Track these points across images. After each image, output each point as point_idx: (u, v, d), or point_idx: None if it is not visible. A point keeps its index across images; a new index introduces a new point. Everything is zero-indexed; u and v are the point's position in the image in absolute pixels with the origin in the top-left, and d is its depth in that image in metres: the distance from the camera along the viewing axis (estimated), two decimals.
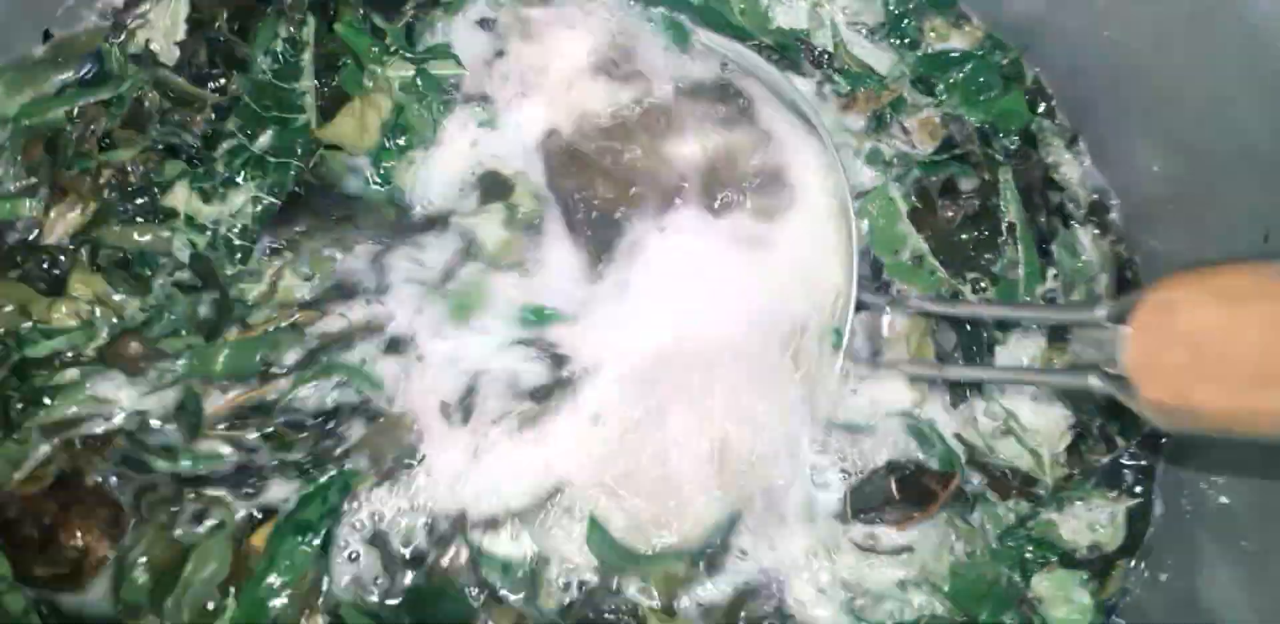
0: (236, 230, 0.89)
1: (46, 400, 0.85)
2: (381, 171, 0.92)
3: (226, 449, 0.85)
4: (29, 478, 0.83)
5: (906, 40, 1.02)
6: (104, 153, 0.90)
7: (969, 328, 0.93)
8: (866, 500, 0.88)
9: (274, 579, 0.82)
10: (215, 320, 0.87)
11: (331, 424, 0.86)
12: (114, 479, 0.84)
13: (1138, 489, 0.91)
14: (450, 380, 0.88)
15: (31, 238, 0.89)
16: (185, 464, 0.85)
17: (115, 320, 0.87)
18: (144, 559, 0.82)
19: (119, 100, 0.91)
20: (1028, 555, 0.88)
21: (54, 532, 0.82)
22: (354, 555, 0.84)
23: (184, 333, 0.87)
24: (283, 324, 0.87)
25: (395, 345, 0.89)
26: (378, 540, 0.85)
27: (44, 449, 0.84)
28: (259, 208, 0.90)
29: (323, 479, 0.85)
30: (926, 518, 0.87)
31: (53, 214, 0.89)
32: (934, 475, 0.88)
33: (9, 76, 0.91)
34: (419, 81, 0.94)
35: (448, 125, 0.94)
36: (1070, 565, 0.88)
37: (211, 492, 0.84)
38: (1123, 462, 0.92)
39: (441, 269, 0.91)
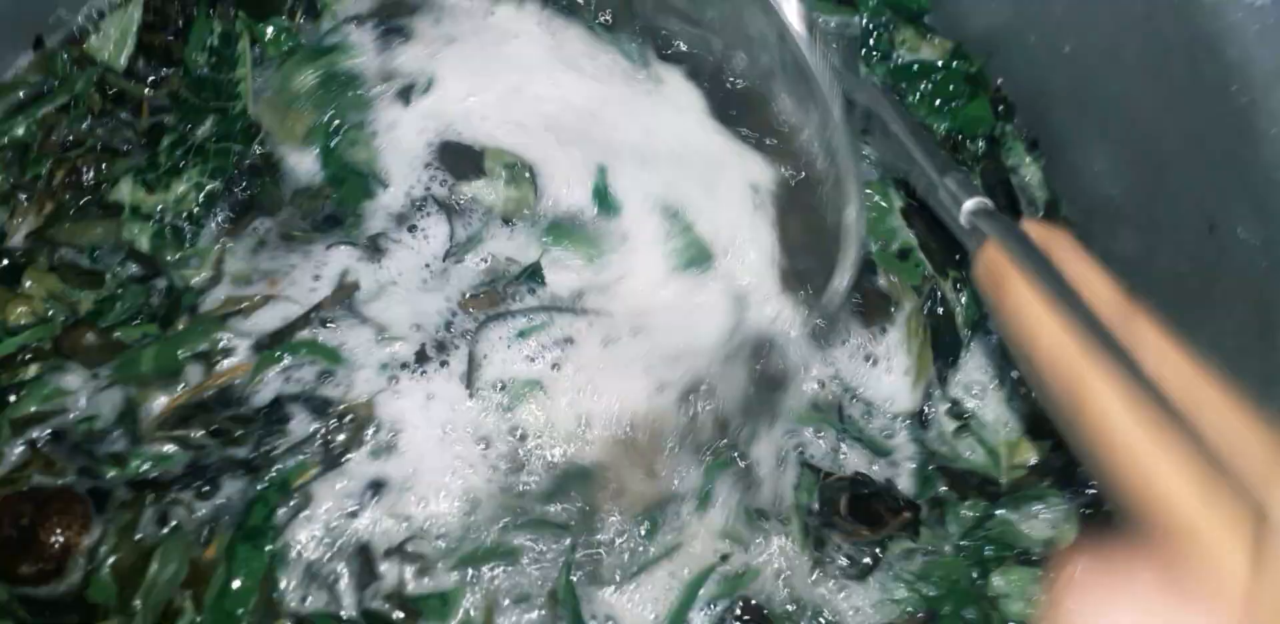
0: (184, 217, 0.90)
1: (12, 398, 0.85)
2: (326, 155, 0.93)
3: (174, 449, 0.85)
4: (3, 481, 0.84)
5: (877, 53, 1.04)
6: (61, 156, 0.91)
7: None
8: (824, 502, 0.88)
9: (235, 586, 0.81)
10: (168, 308, 0.88)
11: (279, 415, 0.86)
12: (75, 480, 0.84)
13: (1089, 489, 0.92)
14: None
15: None
16: (135, 468, 0.84)
17: (68, 315, 0.88)
18: (110, 561, 0.82)
19: (76, 104, 0.93)
20: (987, 553, 0.89)
21: (34, 531, 0.82)
22: (305, 555, 0.84)
23: (138, 322, 0.87)
24: (231, 311, 0.88)
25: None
26: (332, 542, 0.84)
27: (19, 451, 0.84)
28: (202, 193, 0.91)
29: (265, 480, 0.84)
30: (871, 538, 0.88)
31: (17, 219, 0.90)
32: (887, 503, 0.88)
33: None
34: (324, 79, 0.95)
35: (376, 104, 0.95)
36: (1027, 563, 0.89)
37: (170, 494, 0.84)
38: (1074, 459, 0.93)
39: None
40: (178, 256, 0.89)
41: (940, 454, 0.92)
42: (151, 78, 0.95)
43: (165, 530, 0.83)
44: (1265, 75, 0.77)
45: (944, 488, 0.91)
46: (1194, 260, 0.85)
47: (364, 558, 0.84)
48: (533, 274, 0.92)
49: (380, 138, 0.94)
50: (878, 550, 0.88)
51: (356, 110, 0.95)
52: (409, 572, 0.84)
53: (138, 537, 0.83)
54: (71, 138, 0.92)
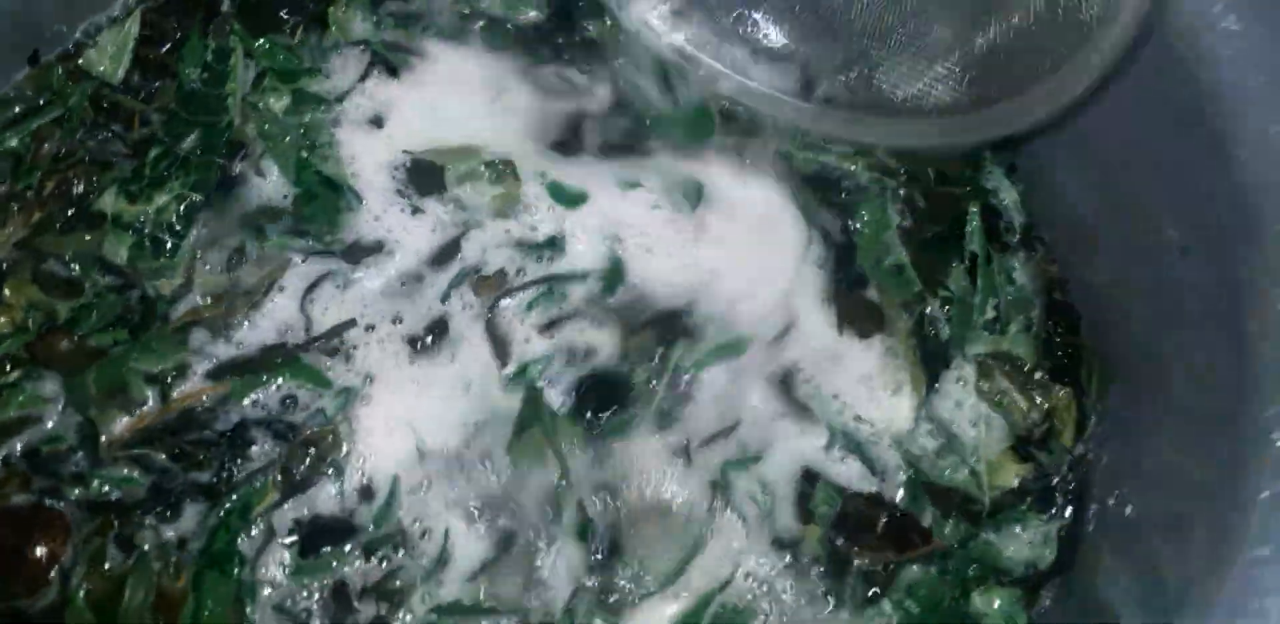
0: (164, 228, 0.91)
1: None
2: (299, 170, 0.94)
3: (135, 472, 0.85)
4: None
5: None
6: (50, 168, 0.92)
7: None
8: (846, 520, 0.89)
9: (205, 614, 0.82)
10: (141, 316, 0.89)
11: (241, 440, 0.87)
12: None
13: (1068, 511, 0.93)
14: None
15: None
16: (97, 489, 0.84)
17: (45, 323, 0.88)
18: (84, 589, 0.82)
19: (70, 117, 0.94)
20: (970, 574, 0.90)
21: (16, 547, 0.82)
22: (278, 586, 0.84)
23: (111, 329, 0.88)
24: (197, 319, 0.89)
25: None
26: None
27: None
28: (182, 205, 0.91)
29: (227, 505, 0.85)
30: (892, 560, 0.88)
31: (7, 229, 0.91)
32: (919, 529, 0.89)
33: None
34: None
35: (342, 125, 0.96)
36: (1008, 584, 0.90)
37: (134, 518, 0.84)
38: (1053, 483, 0.94)
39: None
40: (153, 267, 0.90)
41: (924, 472, 0.92)
42: (144, 91, 0.96)
43: (133, 559, 0.83)
44: (1237, 100, 0.78)
45: (929, 507, 0.91)
46: (1166, 281, 0.86)
47: (340, 593, 0.84)
48: (552, 242, 0.94)
49: (350, 155, 0.95)
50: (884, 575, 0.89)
51: (326, 129, 0.96)
52: (384, 609, 0.84)
53: (106, 565, 0.83)
54: (63, 150, 0.93)
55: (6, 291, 0.89)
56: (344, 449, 0.87)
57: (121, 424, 0.86)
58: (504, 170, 0.95)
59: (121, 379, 0.86)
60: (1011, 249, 1.02)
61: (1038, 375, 0.96)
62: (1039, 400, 0.95)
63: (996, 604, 0.88)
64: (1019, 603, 0.89)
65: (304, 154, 0.94)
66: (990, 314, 0.99)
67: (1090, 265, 0.96)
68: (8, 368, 0.86)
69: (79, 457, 0.85)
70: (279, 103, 0.95)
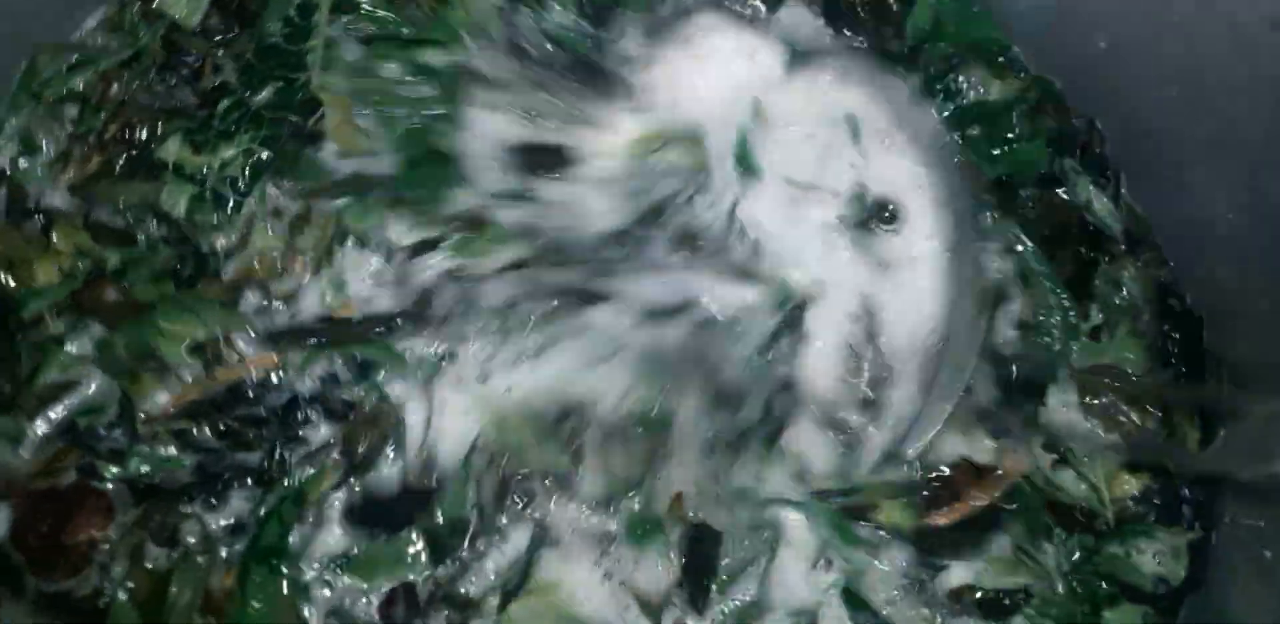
0: (227, 183, 0.87)
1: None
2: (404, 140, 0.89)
3: (177, 451, 0.81)
4: (44, 472, 0.79)
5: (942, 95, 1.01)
6: (115, 111, 0.89)
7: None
8: None
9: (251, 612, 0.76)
10: (193, 272, 0.85)
11: (294, 418, 0.82)
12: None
13: (1197, 524, 0.87)
14: None
15: (32, 195, 0.87)
16: (135, 468, 0.80)
17: (93, 272, 0.84)
18: (126, 591, 0.77)
19: (138, 59, 0.91)
20: (1098, 590, 0.84)
21: (58, 527, 0.78)
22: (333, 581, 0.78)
23: (159, 283, 0.84)
24: (246, 279, 0.85)
25: None
26: None
27: (41, 429, 0.81)
28: (249, 160, 0.87)
29: (279, 492, 0.79)
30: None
31: (68, 173, 0.87)
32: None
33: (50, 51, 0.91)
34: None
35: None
36: (1138, 600, 0.84)
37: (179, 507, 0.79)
38: (1180, 494, 0.87)
39: None
40: (211, 221, 0.86)
41: (1041, 489, 0.86)
42: (219, 37, 0.92)
43: (177, 554, 0.78)
44: None
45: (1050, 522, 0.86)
46: None
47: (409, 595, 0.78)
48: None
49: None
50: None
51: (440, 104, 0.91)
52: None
53: (149, 565, 0.78)
54: (130, 94, 0.90)
55: (56, 237, 0.85)
56: (409, 429, 0.82)
57: (163, 398, 0.81)
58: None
59: (154, 341, 0.81)
60: (1116, 256, 0.97)
61: (1149, 387, 0.91)
62: (1152, 411, 0.89)
63: (1128, 619, 0.83)
64: (1151, 620, 0.83)
65: (414, 122, 0.89)
66: (1096, 323, 0.94)
67: (1219, 268, 0.91)
68: (54, 316, 0.82)
69: (118, 433, 0.81)
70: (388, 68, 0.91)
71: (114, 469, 0.80)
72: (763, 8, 0.97)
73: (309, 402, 0.82)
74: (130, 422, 0.80)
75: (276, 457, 0.81)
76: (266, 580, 0.77)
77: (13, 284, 0.83)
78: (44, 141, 0.88)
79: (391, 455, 0.81)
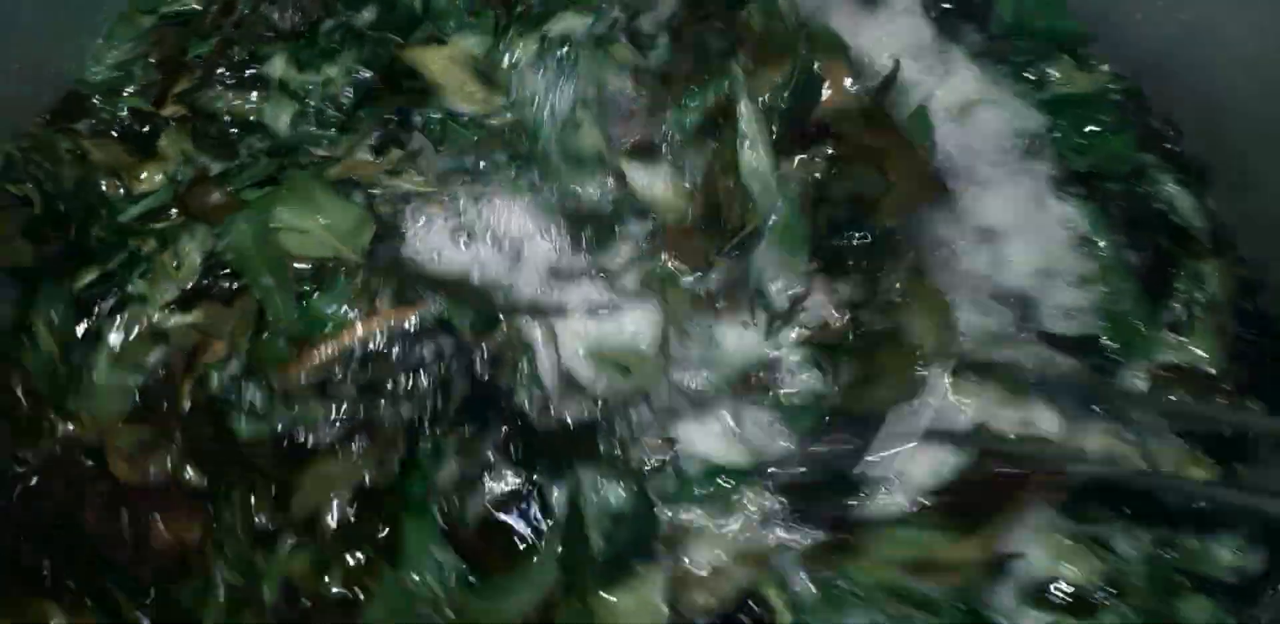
0: (330, 101, 0.87)
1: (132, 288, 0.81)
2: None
3: (319, 406, 0.78)
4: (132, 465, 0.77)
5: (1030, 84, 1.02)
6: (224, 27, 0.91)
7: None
8: None
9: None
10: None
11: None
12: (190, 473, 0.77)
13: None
14: None
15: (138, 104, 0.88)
16: (278, 424, 0.77)
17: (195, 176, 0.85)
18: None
19: None
20: (1172, 581, 0.83)
21: (146, 528, 0.76)
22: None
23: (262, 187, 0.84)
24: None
25: None
26: None
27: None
28: (351, 78, 0.88)
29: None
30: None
31: (179, 86, 0.88)
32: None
33: None
34: None
35: None
36: (1214, 591, 0.82)
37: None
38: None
39: None
40: (314, 136, 0.86)
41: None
42: None
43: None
44: None
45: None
46: None
47: None
48: None
49: None
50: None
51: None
52: None
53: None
54: (240, 10, 0.91)
55: (163, 141, 0.85)
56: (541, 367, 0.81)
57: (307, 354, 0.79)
58: None
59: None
60: (1199, 253, 0.97)
61: (1225, 386, 0.91)
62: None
63: (1205, 611, 0.81)
64: (1228, 610, 0.81)
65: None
66: (1172, 320, 0.93)
67: None
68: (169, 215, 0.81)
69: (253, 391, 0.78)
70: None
71: (249, 426, 0.77)
72: None
73: (440, 358, 0.80)
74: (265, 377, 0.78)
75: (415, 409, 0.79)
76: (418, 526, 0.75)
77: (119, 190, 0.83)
78: (151, 58, 0.89)
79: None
